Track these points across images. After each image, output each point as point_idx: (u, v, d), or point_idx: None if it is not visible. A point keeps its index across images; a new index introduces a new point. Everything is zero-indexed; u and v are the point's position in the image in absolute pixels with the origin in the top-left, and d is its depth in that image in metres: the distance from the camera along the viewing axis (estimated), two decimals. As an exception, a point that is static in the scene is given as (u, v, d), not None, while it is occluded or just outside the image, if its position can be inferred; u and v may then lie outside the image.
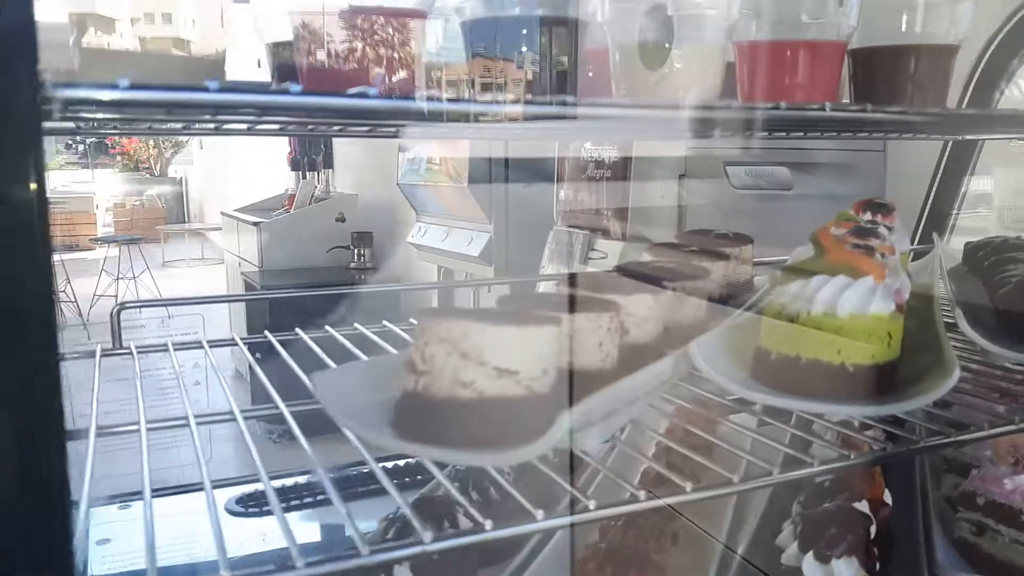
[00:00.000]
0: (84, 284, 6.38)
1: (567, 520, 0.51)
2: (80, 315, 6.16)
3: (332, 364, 0.77)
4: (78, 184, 9.10)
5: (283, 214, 4.60)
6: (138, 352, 0.88)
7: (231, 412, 0.72)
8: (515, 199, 2.54)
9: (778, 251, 1.36)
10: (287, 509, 1.04)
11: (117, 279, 6.55)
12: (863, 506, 0.76)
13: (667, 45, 0.74)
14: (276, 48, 0.70)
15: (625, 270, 0.84)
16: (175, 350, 0.89)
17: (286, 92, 0.52)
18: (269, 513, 1.08)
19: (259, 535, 1.01)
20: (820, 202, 1.81)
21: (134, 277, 6.64)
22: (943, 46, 0.82)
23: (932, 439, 0.61)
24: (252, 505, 1.06)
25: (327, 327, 0.95)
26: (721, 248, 0.95)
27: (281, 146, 4.98)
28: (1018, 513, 0.84)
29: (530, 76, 0.67)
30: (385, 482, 0.54)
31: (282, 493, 1.11)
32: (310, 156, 4.67)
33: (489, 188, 2.55)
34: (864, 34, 0.80)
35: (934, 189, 1.48)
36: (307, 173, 4.77)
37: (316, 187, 4.69)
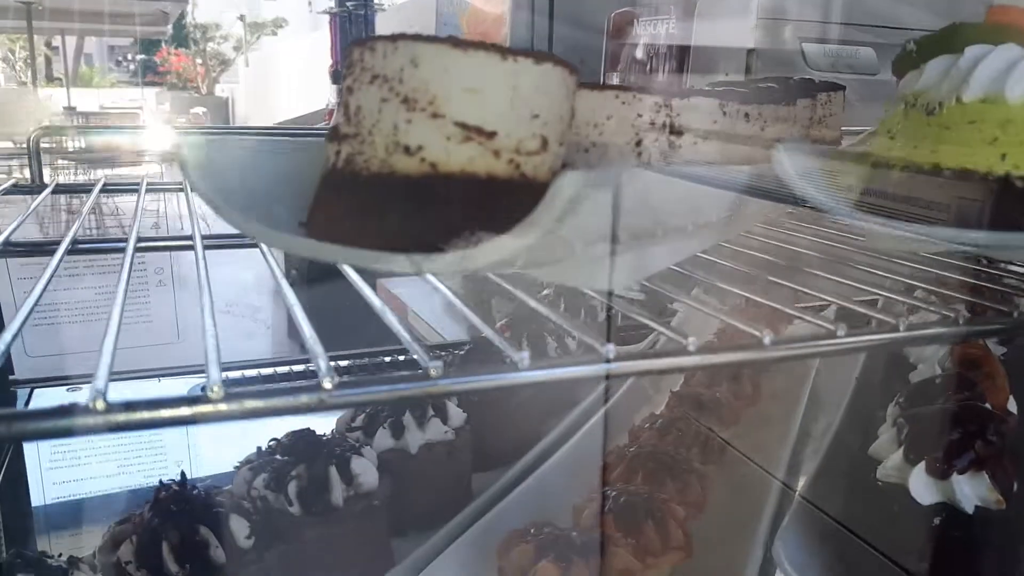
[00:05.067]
0: (126, 201, 6.35)
1: (631, 366, 0.33)
2: (122, 230, 6.17)
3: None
4: (127, 101, 9.11)
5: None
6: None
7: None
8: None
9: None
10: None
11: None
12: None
13: None
14: None
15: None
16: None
17: None
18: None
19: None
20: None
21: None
22: None
23: None
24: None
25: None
26: (809, 90, 0.73)
27: (323, 56, 4.72)
28: None
29: None
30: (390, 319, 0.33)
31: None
32: (350, 66, 4.44)
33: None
34: None
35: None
36: (347, 85, 4.56)
37: (355, 100, 4.49)
